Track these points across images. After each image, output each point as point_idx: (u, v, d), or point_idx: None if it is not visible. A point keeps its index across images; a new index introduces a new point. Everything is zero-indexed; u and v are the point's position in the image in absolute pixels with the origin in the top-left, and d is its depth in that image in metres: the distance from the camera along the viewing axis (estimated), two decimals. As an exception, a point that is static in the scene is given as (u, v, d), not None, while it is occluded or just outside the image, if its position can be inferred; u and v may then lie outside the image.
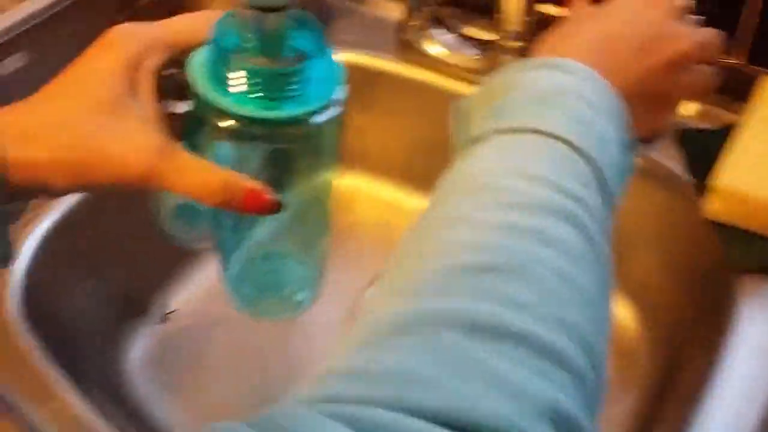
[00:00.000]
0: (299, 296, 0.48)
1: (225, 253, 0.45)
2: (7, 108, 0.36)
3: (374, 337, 0.26)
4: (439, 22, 0.65)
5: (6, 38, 0.58)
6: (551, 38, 0.40)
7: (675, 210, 0.58)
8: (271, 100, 0.35)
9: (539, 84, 0.35)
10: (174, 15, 0.39)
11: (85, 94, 0.35)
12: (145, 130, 0.35)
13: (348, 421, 0.23)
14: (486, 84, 0.37)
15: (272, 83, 0.35)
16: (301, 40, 0.36)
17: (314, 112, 0.36)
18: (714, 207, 0.51)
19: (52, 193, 0.36)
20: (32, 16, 0.59)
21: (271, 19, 0.35)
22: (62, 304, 0.56)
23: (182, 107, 0.39)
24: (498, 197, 0.31)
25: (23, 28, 0.59)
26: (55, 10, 0.61)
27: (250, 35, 0.35)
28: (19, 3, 0.73)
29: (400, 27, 0.66)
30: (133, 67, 0.36)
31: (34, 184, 0.35)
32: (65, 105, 0.35)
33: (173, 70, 0.39)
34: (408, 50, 0.66)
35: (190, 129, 0.39)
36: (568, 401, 0.25)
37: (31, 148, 0.34)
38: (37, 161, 0.34)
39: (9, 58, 0.60)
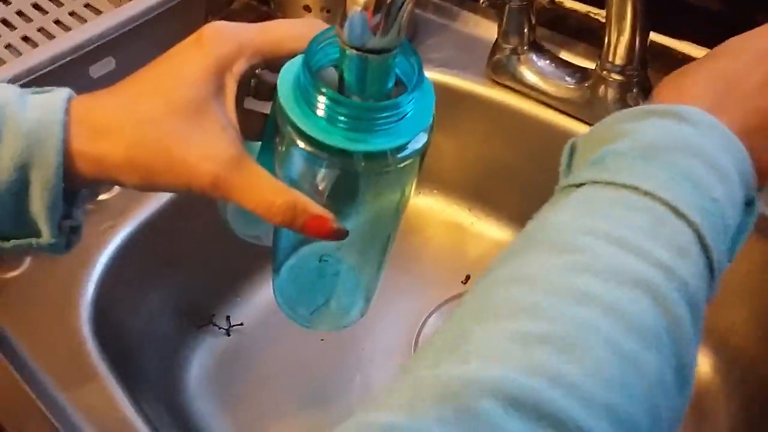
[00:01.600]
0: (347, 307, 0.46)
1: (279, 255, 0.43)
2: (88, 96, 0.35)
3: (416, 399, 0.25)
4: (535, 45, 0.61)
5: (97, 44, 0.59)
6: (676, 80, 0.37)
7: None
8: (358, 131, 0.33)
9: (649, 135, 0.32)
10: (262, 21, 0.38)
11: (167, 93, 0.34)
12: (220, 138, 0.34)
13: None
14: (594, 128, 0.35)
15: (361, 116, 0.33)
16: (399, 70, 0.34)
17: (401, 148, 0.34)
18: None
19: (123, 186, 0.36)
20: (123, 23, 0.60)
21: (377, 61, 0.33)
22: (129, 316, 0.57)
23: (266, 107, 0.38)
24: (571, 258, 0.29)
25: (114, 35, 0.59)
26: (146, 18, 0.61)
27: (349, 72, 0.33)
28: (119, 5, 0.75)
29: (494, 48, 0.62)
30: (222, 69, 0.35)
31: (103, 178, 0.35)
32: (146, 102, 0.34)
33: (262, 71, 0.38)
34: (499, 73, 0.63)
35: (269, 132, 0.37)
36: None
37: (105, 143, 0.34)
38: (107, 157, 0.34)
39: (98, 63, 0.60)
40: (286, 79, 0.34)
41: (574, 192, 0.32)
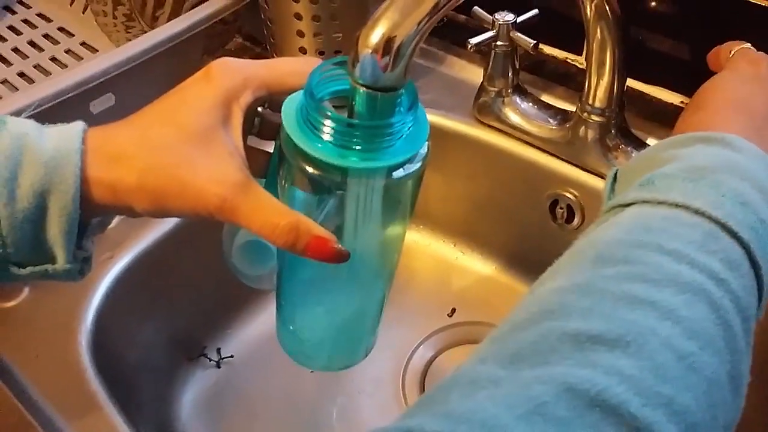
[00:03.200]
0: (355, 351, 0.47)
1: (284, 297, 0.44)
2: (102, 127, 0.37)
3: (466, 394, 0.26)
4: (518, 88, 0.64)
5: (98, 81, 0.60)
6: (696, 116, 0.39)
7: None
8: (365, 152, 0.35)
9: (696, 159, 0.34)
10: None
11: (178, 122, 0.36)
12: (228, 163, 0.35)
13: None
14: (638, 156, 0.37)
15: (367, 136, 0.35)
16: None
17: (399, 166, 0.36)
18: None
19: (134, 214, 0.37)
20: (124, 62, 0.61)
21: (385, 98, 0.35)
22: (126, 346, 0.57)
23: (269, 146, 0.40)
24: (625, 269, 0.29)
25: (115, 73, 0.61)
26: (146, 57, 0.63)
27: (359, 104, 0.35)
28: (117, 44, 0.77)
29: (480, 90, 0.66)
30: (229, 100, 0.36)
31: (117, 205, 0.36)
32: (157, 131, 0.36)
33: (265, 110, 0.40)
34: (485, 114, 0.66)
35: (273, 168, 0.39)
36: None
37: (119, 169, 0.35)
38: (121, 182, 0.35)
39: (98, 99, 0.62)
40: (289, 112, 0.37)
41: (623, 211, 0.33)
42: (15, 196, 0.34)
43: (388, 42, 0.34)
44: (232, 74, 0.37)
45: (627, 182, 0.36)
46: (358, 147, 0.35)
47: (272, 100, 0.39)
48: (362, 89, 0.35)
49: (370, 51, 0.34)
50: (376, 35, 0.34)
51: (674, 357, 0.26)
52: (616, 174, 0.38)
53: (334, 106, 0.37)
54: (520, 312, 0.30)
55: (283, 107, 0.37)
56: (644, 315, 0.27)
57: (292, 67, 0.38)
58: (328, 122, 0.35)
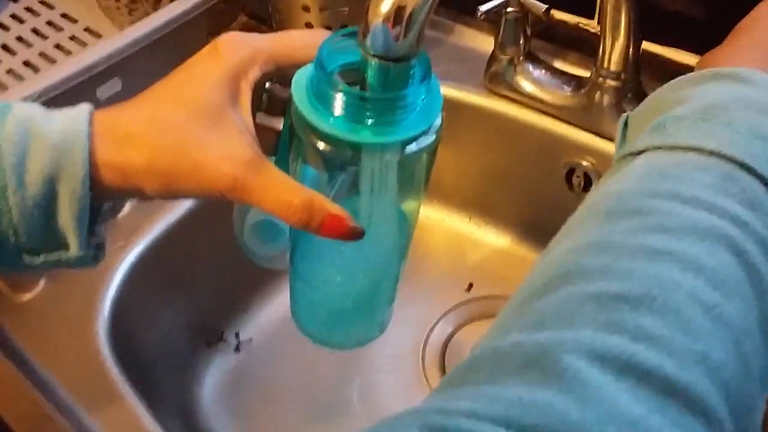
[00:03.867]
0: (370, 322, 0.47)
1: (298, 275, 0.44)
2: (110, 108, 0.36)
3: (495, 371, 0.25)
4: (530, 55, 0.63)
5: (104, 65, 0.60)
6: (719, 51, 0.38)
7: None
8: (378, 125, 0.34)
9: (709, 97, 0.32)
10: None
11: (186, 100, 0.35)
12: (238, 141, 0.35)
13: None
14: (651, 97, 0.35)
15: (379, 110, 0.34)
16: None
17: (413, 139, 0.35)
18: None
19: (144, 197, 0.36)
20: (129, 45, 0.61)
21: (398, 68, 0.34)
22: (145, 331, 0.57)
23: (278, 123, 0.39)
24: (640, 220, 0.28)
25: (120, 57, 0.60)
26: (150, 40, 0.62)
27: (371, 76, 0.34)
28: (121, 28, 0.76)
29: (491, 59, 0.64)
30: (237, 76, 0.36)
31: (127, 187, 0.35)
32: (166, 110, 0.35)
33: (273, 85, 0.39)
34: (497, 83, 0.64)
35: (283, 145, 0.38)
36: None
37: (128, 150, 0.34)
38: (131, 164, 0.34)
39: (105, 84, 0.61)
40: (299, 86, 0.36)
41: (635, 160, 0.32)
42: (24, 182, 0.33)
43: (399, 10, 0.33)
44: (239, 49, 0.36)
45: (638, 127, 0.34)
46: (370, 121, 0.34)
47: (281, 74, 0.38)
48: (374, 60, 0.34)
49: (381, 20, 0.33)
50: (386, 4, 0.33)
51: (701, 310, 0.25)
52: (627, 120, 0.36)
53: (345, 81, 0.36)
54: (538, 277, 0.29)
55: (293, 81, 0.36)
56: (666, 267, 0.26)
57: (300, 40, 0.37)
58: (339, 96, 0.34)
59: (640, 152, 0.32)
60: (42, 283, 0.55)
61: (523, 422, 0.23)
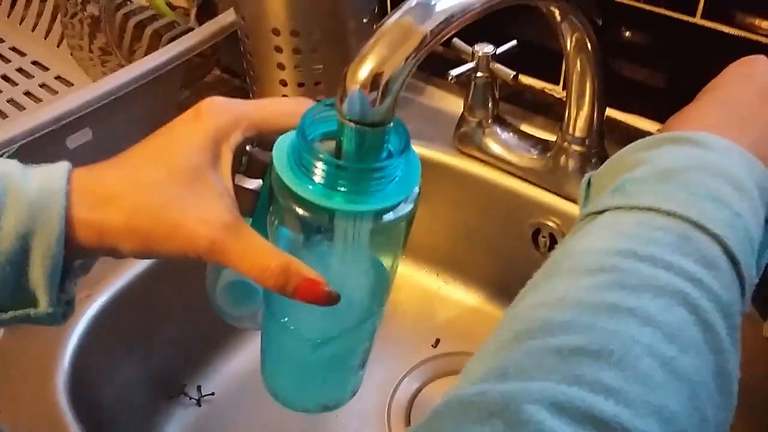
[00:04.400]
0: (338, 396, 0.46)
1: (269, 337, 0.44)
2: (88, 167, 0.36)
3: (459, 419, 0.26)
4: (498, 118, 0.65)
5: (76, 115, 0.60)
6: (685, 112, 0.39)
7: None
8: (353, 194, 0.35)
9: (666, 160, 0.34)
10: (235, 94, 0.39)
11: (167, 161, 0.35)
12: (218, 204, 0.35)
13: None
14: (613, 158, 0.37)
15: (355, 179, 0.35)
16: (390, 144, 0.36)
17: (387, 209, 0.36)
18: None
19: (119, 256, 0.36)
20: (101, 96, 0.61)
21: (374, 133, 0.35)
22: (105, 382, 0.56)
23: (256, 185, 0.39)
24: (601, 278, 0.29)
25: (92, 107, 0.60)
26: (123, 92, 0.62)
27: (347, 144, 0.35)
28: (93, 78, 0.76)
29: (460, 120, 0.66)
30: (219, 140, 0.36)
31: (103, 246, 0.35)
32: (146, 170, 0.35)
33: (253, 148, 0.39)
34: (466, 144, 0.66)
35: (261, 206, 0.39)
36: None
37: (105, 210, 0.34)
38: (108, 223, 0.34)
39: (75, 133, 0.61)
40: (280, 152, 0.36)
41: (597, 219, 0.33)
42: None
43: (376, 77, 0.34)
44: (222, 114, 0.37)
45: (600, 187, 0.36)
46: (344, 189, 0.35)
47: (261, 139, 0.39)
48: (350, 125, 0.34)
49: (358, 86, 0.34)
50: (364, 71, 0.34)
51: (657, 363, 0.26)
52: (590, 180, 0.37)
53: (325, 149, 0.36)
54: (503, 330, 0.30)
55: (274, 147, 0.37)
56: (624, 323, 0.27)
57: (283, 108, 0.38)
58: (318, 163, 0.35)
59: (601, 212, 0.33)
60: (1, 332, 0.53)
61: None
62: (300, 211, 0.35)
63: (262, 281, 0.35)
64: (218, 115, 0.36)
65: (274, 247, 0.36)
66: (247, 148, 0.39)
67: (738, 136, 0.36)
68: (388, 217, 0.36)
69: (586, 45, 0.52)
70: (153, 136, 0.37)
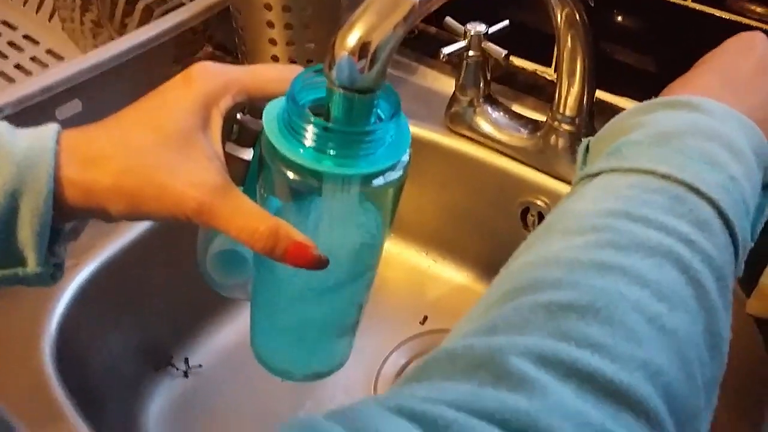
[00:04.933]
0: (328, 363, 0.47)
1: (259, 305, 0.44)
2: (78, 129, 0.36)
3: (448, 370, 0.26)
4: (489, 98, 0.65)
5: (65, 86, 0.59)
6: (681, 78, 0.40)
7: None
8: (341, 157, 0.35)
9: (662, 124, 0.34)
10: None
11: (157, 124, 0.35)
12: (207, 166, 0.35)
13: (411, 414, 0.24)
14: (610, 123, 0.37)
15: (345, 143, 0.35)
16: (379, 104, 0.37)
17: (377, 174, 0.36)
18: (759, 305, 0.49)
19: (108, 218, 0.36)
20: (92, 68, 0.61)
21: (362, 100, 0.35)
22: (92, 354, 0.56)
23: (247, 153, 0.39)
24: (593, 238, 0.30)
25: (82, 79, 0.60)
26: (114, 64, 0.62)
27: (336, 110, 0.35)
28: (84, 51, 0.76)
29: (451, 100, 0.66)
30: (209, 104, 0.36)
31: (91, 207, 0.35)
32: (136, 133, 0.35)
33: (244, 116, 0.39)
34: (457, 123, 0.66)
35: (251, 175, 0.39)
36: None
37: (94, 170, 0.34)
38: (96, 184, 0.34)
39: (65, 105, 0.61)
40: (270, 117, 0.36)
41: (591, 181, 0.33)
42: None
43: (364, 45, 0.34)
44: (212, 78, 0.37)
45: (598, 151, 0.36)
46: (334, 152, 0.35)
47: (252, 106, 0.39)
48: (339, 91, 0.35)
49: (346, 53, 0.34)
50: (352, 38, 0.34)
51: (644, 319, 0.27)
52: (588, 145, 0.38)
53: (315, 114, 0.37)
54: (495, 290, 0.30)
55: (264, 112, 0.37)
56: (613, 281, 0.28)
57: (273, 74, 0.38)
58: (309, 127, 0.35)
59: (597, 174, 0.34)
60: (-14, 300, 0.53)
61: (474, 407, 0.24)
62: (289, 174, 0.36)
63: (251, 244, 0.35)
64: (208, 79, 0.37)
65: (264, 210, 0.36)
66: (238, 116, 0.39)
67: (734, 102, 0.36)
68: (378, 182, 0.36)
69: (577, 21, 0.52)
70: (143, 100, 0.37)
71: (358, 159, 0.35)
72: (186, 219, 0.35)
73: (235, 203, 0.35)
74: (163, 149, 0.35)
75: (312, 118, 0.35)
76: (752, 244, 0.34)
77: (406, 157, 0.37)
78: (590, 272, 0.28)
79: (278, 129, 0.36)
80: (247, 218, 0.35)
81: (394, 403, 0.24)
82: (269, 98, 0.38)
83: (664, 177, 0.32)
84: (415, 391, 0.25)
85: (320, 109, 0.37)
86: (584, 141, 0.38)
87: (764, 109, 0.38)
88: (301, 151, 0.35)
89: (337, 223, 0.37)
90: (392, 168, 0.36)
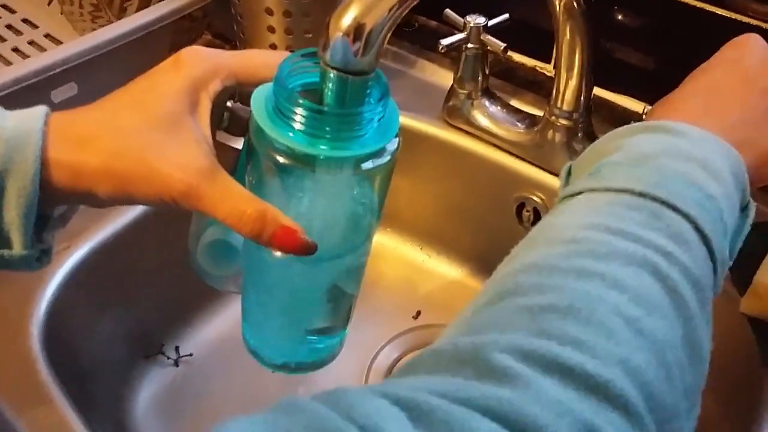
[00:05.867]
0: (319, 356, 0.46)
1: (249, 296, 0.43)
2: (66, 111, 0.36)
3: (433, 367, 0.27)
4: (488, 92, 0.65)
5: (60, 68, 0.59)
6: (666, 100, 0.41)
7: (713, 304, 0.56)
8: (335, 140, 0.35)
9: (641, 146, 0.35)
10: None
11: (145, 107, 0.35)
12: (195, 149, 0.35)
13: (395, 399, 0.24)
14: (590, 147, 0.38)
15: (335, 125, 0.35)
16: (372, 88, 0.36)
17: (369, 156, 0.36)
18: (753, 304, 0.49)
19: (96, 201, 0.36)
20: (88, 51, 0.60)
21: (355, 82, 0.35)
22: (81, 339, 0.56)
23: (238, 142, 0.39)
24: (574, 247, 0.31)
25: (77, 61, 0.60)
26: (111, 47, 0.62)
27: (329, 92, 0.35)
28: (81, 34, 0.75)
29: (449, 93, 0.66)
30: (197, 87, 0.36)
31: (79, 189, 0.35)
32: (125, 115, 0.35)
33: (235, 104, 0.39)
34: (454, 117, 0.66)
35: (242, 164, 0.39)
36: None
37: (82, 152, 0.34)
38: (85, 166, 0.34)
39: (60, 87, 0.61)
40: (258, 102, 0.36)
41: (572, 200, 0.34)
42: None
43: (359, 27, 0.33)
44: (201, 62, 0.37)
45: (579, 173, 0.37)
46: (327, 135, 0.35)
47: (242, 93, 0.39)
48: (333, 72, 0.34)
49: (341, 34, 0.33)
50: (347, 19, 0.34)
51: (622, 321, 0.28)
52: (570, 168, 0.39)
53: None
54: (479, 298, 0.31)
55: (252, 97, 0.36)
56: (593, 285, 0.29)
57: (262, 59, 0.38)
58: (298, 110, 0.35)
59: (578, 193, 0.35)
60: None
61: (459, 396, 0.24)
62: (279, 159, 0.35)
63: (239, 227, 0.35)
64: (197, 63, 0.36)
65: (252, 194, 0.36)
66: (229, 104, 0.39)
67: (716, 123, 0.37)
68: (367, 165, 0.36)
69: (576, 11, 0.52)
70: (132, 83, 0.37)
71: (348, 142, 0.35)
72: (173, 202, 0.35)
73: (223, 186, 0.35)
74: (151, 132, 0.35)
75: (302, 101, 0.34)
76: (730, 263, 0.35)
77: (395, 144, 0.37)
78: (570, 277, 0.29)
79: (267, 114, 0.35)
80: (234, 201, 0.35)
81: (379, 389, 0.25)
82: (258, 83, 0.37)
83: (641, 195, 0.33)
84: (402, 383, 0.26)
85: (308, 95, 0.36)
86: (566, 165, 0.39)
87: (745, 127, 0.39)
88: (291, 135, 0.35)
89: (328, 207, 0.37)
90: (384, 149, 0.36)
